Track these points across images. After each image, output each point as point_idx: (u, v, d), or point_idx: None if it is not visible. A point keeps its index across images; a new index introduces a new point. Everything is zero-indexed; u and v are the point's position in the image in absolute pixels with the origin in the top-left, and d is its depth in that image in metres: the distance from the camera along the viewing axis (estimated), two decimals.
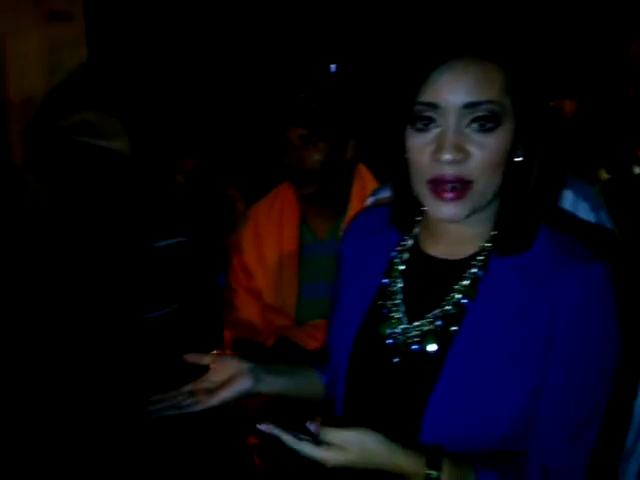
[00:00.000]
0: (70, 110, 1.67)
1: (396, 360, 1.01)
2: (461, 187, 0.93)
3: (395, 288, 1.05)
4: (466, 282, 1.00)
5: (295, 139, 1.73)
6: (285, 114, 1.76)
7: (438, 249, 1.05)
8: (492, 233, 1.02)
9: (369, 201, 1.46)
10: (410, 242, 1.09)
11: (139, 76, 3.09)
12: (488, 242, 1.02)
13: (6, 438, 1.49)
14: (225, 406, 1.78)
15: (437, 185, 0.94)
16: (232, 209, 2.19)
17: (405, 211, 1.07)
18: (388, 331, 1.02)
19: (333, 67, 3.69)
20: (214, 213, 2.17)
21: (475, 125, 0.92)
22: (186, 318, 1.69)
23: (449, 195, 0.93)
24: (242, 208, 2.19)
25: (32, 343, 1.57)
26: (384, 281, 1.07)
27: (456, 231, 1.02)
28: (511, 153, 0.96)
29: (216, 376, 1.12)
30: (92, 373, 1.58)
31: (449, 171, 0.92)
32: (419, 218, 1.07)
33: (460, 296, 1.00)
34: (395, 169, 1.03)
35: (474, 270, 1.01)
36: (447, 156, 0.91)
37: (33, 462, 1.50)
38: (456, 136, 0.92)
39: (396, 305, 1.04)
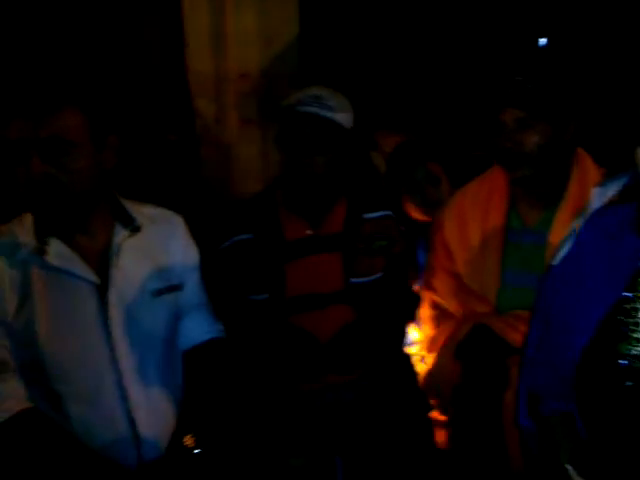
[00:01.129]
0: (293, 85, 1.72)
1: (629, 383, 0.93)
2: None
3: (638, 305, 0.96)
4: None
5: (510, 122, 1.62)
6: (499, 96, 1.66)
7: None
8: None
9: (595, 192, 1.33)
10: None
11: (347, 52, 3.13)
12: None
13: None
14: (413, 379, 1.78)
15: None
16: (437, 187, 2.13)
17: None
18: (625, 351, 0.94)
19: (543, 41, 3.43)
20: (419, 190, 2.13)
21: None
22: (387, 288, 1.70)
23: None
24: (447, 187, 2.12)
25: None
26: (625, 294, 0.98)
27: None
28: None
29: None
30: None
31: None
32: None
33: None
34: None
35: None
36: None
37: None
38: None
39: (637, 324, 0.95)
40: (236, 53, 3.01)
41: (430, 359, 1.83)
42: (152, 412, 1.43)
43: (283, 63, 3.06)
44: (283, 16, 3.04)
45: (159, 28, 3.12)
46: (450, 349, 1.68)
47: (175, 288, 1.51)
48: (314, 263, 1.66)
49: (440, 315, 1.80)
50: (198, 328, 1.57)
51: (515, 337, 1.57)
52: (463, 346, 1.66)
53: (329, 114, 1.58)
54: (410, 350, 1.94)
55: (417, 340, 1.94)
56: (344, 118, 1.62)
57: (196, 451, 1.46)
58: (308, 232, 1.68)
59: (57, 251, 1.37)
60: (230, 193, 3.11)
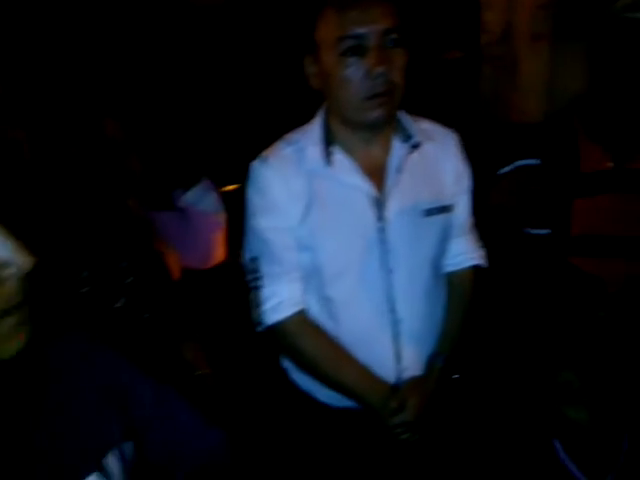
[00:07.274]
0: None
1: None
2: None
3: None
4: None
5: None
6: None
7: None
8: None
9: None
10: None
11: None
12: None
13: None
14: None
15: None
16: None
17: None
18: None
19: None
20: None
21: None
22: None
23: None
24: None
25: None
26: None
27: None
28: None
29: None
30: None
31: None
32: None
33: None
34: None
35: None
36: None
37: None
38: None
39: None
40: None
41: None
42: (415, 330, 1.36)
43: None
44: None
45: None
46: None
47: (445, 209, 1.38)
48: (615, 197, 1.36)
49: None
50: (463, 253, 1.46)
51: None
52: None
53: None
54: None
55: None
56: None
57: (454, 376, 1.36)
58: (609, 164, 1.37)
59: (341, 163, 1.32)
60: (510, 113, 2.83)
